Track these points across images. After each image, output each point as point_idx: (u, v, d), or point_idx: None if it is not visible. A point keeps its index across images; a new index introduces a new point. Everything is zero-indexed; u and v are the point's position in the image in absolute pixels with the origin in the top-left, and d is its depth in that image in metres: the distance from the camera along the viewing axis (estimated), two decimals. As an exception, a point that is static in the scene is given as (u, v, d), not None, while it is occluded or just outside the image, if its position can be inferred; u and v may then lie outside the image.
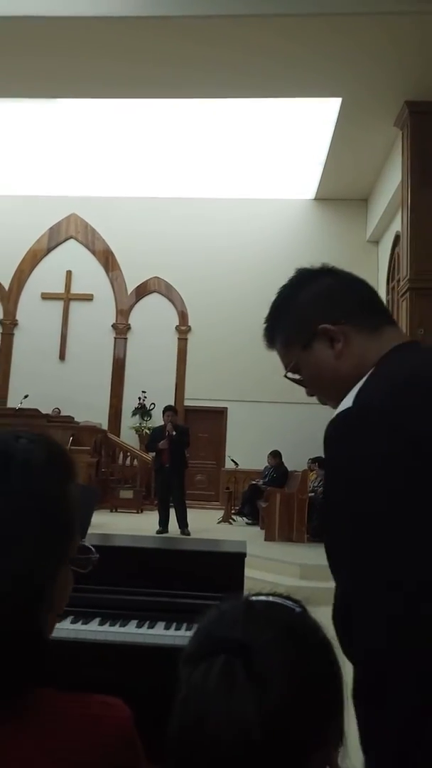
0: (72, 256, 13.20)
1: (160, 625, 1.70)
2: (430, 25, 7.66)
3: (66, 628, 1.69)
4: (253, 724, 0.53)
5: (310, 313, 0.99)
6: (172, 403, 11.76)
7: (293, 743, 0.54)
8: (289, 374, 1.05)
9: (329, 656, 0.61)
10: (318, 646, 0.61)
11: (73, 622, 1.72)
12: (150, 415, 12.21)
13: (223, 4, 7.73)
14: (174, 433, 7.37)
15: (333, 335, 0.97)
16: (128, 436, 12.24)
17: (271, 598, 0.65)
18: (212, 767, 0.53)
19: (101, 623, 1.72)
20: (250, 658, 0.56)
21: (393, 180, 10.27)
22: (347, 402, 0.89)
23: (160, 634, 1.66)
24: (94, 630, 1.69)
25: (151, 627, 1.70)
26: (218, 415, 12.51)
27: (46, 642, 0.66)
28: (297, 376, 1.04)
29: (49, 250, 13.28)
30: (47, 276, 13.11)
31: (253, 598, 0.65)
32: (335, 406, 0.97)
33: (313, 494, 7.87)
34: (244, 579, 1.89)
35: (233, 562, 1.82)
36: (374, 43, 8.03)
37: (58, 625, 1.59)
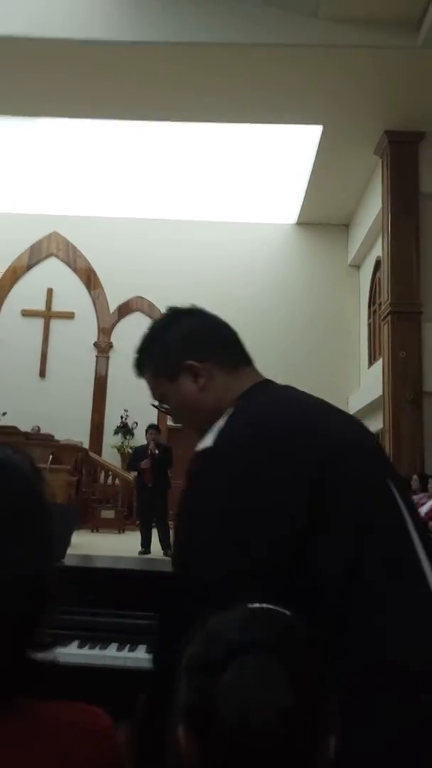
0: (53, 273, 13.20)
1: (142, 648, 1.67)
2: (410, 57, 7.93)
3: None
4: (291, 716, 0.58)
5: (179, 349, 1.09)
6: (155, 422, 11.70)
7: (311, 735, 0.60)
8: (156, 403, 1.16)
9: (324, 652, 0.66)
10: (315, 644, 0.66)
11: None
12: (132, 434, 12.14)
13: (209, 32, 7.92)
14: (157, 451, 7.32)
15: (198, 371, 1.07)
16: (110, 455, 12.14)
17: (264, 605, 0.69)
18: (258, 760, 0.58)
19: (80, 646, 1.69)
20: (274, 656, 0.61)
21: (373, 206, 10.50)
22: (208, 441, 0.99)
23: (141, 657, 1.63)
24: (73, 653, 1.66)
25: (132, 650, 1.67)
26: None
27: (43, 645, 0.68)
28: (164, 406, 1.15)
29: (29, 267, 13.26)
30: (27, 293, 13.07)
31: (248, 605, 0.69)
32: (196, 434, 1.09)
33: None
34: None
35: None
36: (355, 73, 8.27)
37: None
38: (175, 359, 1.09)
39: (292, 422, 0.99)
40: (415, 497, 6.96)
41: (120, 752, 0.70)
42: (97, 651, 1.67)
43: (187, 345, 1.10)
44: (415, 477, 7.30)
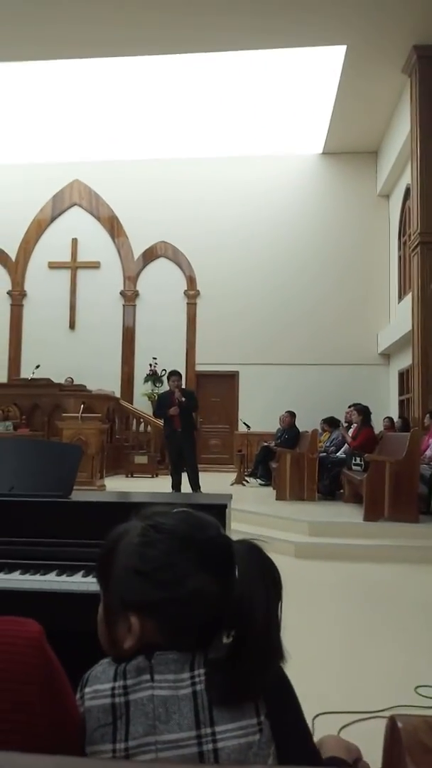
0: (77, 223, 13.09)
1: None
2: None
3: (51, 580, 1.71)
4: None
5: None
6: (183, 369, 11.77)
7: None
8: None
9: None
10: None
11: (59, 574, 1.74)
12: (161, 381, 12.24)
13: None
14: (183, 399, 7.35)
15: None
16: (141, 403, 12.31)
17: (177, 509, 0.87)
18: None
19: (84, 575, 1.74)
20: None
21: (402, 130, 9.93)
22: None
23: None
24: (78, 581, 1.71)
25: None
26: (230, 379, 12.51)
27: None
28: None
29: (53, 219, 13.17)
30: (53, 245, 13.04)
31: (178, 510, 0.87)
32: None
33: (324, 454, 7.88)
34: (228, 531, 1.89)
35: (214, 514, 1.81)
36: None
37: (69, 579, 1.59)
38: None
39: None
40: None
41: (51, 655, 0.74)
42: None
43: None
44: (427, 415, 7.17)
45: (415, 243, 8.95)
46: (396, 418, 10.26)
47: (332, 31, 8.73)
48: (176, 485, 7.38)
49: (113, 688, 0.75)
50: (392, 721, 0.41)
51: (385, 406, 11.48)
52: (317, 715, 2.20)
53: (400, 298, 11.10)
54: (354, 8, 8.14)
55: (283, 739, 0.78)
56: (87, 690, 0.78)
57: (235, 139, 12.20)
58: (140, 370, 12.60)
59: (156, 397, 12.05)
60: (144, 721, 0.73)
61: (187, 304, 12.72)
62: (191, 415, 7.49)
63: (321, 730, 2.07)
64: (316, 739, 0.86)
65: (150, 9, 8.24)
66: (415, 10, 8.12)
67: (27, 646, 0.71)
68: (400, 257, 11.41)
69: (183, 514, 0.85)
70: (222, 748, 0.73)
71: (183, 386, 7.73)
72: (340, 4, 8.08)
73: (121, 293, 12.94)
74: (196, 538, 0.81)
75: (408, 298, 9.68)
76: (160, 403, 7.63)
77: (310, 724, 2.11)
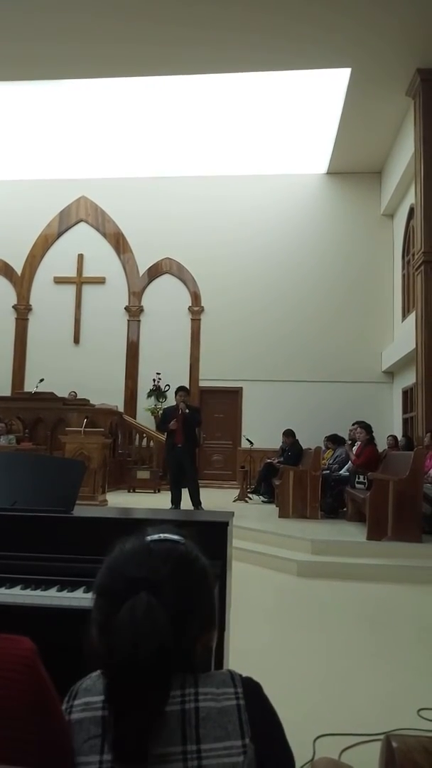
0: (83, 239, 13.21)
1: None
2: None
3: (52, 596, 1.71)
4: (168, 640, 0.73)
5: None
6: (187, 384, 11.76)
7: (189, 640, 0.79)
8: None
9: (207, 576, 0.82)
10: (199, 569, 0.82)
11: (60, 589, 1.74)
12: (165, 397, 12.26)
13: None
14: (187, 411, 7.37)
15: None
16: (144, 418, 12.32)
17: (162, 536, 0.83)
18: (139, 678, 0.72)
19: (85, 591, 1.74)
20: (160, 592, 0.76)
21: (406, 151, 10.04)
22: None
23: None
24: (79, 597, 1.71)
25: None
26: (233, 395, 12.51)
27: None
28: None
29: (60, 234, 13.30)
30: (59, 260, 13.16)
31: (149, 538, 0.83)
32: None
33: (327, 471, 7.85)
34: (228, 548, 1.88)
35: (215, 531, 1.82)
36: (382, 10, 7.80)
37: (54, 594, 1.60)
38: None
39: None
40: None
41: (43, 673, 0.74)
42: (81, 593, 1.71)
43: None
44: (428, 434, 7.15)
45: (419, 262, 9.01)
46: (400, 437, 10.22)
47: (337, 54, 8.88)
48: (175, 500, 7.35)
49: (104, 701, 0.76)
50: (387, 741, 0.41)
51: (389, 425, 11.45)
52: (318, 737, 2.17)
53: (404, 316, 11.13)
54: (358, 32, 8.28)
55: (267, 763, 0.78)
56: (77, 702, 0.79)
57: (241, 158, 12.34)
58: (144, 385, 12.63)
59: (159, 413, 12.11)
60: None
61: (192, 320, 12.78)
62: (194, 430, 7.48)
63: (322, 752, 2.05)
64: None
65: (158, 33, 8.39)
66: (419, 34, 8.26)
67: (19, 663, 0.71)
68: (404, 276, 11.46)
69: (136, 546, 0.82)
70: (206, 765, 0.74)
71: (188, 403, 7.72)
72: (345, 29, 8.23)
73: (125, 308, 13.01)
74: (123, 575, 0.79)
75: (412, 316, 9.70)
76: (164, 418, 7.63)
77: (311, 746, 2.09)
